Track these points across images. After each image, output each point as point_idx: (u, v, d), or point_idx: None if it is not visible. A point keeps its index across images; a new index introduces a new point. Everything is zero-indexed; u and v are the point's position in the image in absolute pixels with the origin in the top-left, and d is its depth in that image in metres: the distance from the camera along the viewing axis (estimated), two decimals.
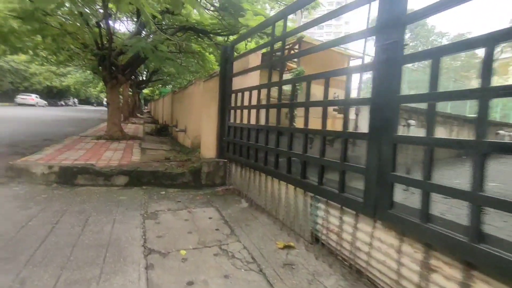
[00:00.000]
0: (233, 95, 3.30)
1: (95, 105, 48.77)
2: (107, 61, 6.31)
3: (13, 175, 3.48)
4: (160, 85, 27.82)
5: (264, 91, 2.71)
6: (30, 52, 11.70)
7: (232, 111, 3.30)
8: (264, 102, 2.71)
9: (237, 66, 3.42)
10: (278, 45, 3.03)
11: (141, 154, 5.03)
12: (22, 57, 14.17)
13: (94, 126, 10.29)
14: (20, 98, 23.90)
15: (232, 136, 3.27)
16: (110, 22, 6.32)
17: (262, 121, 2.63)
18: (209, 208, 2.76)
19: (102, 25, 5.92)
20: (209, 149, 3.84)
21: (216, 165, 3.36)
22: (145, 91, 31.53)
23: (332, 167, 1.82)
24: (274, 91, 2.60)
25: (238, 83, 3.36)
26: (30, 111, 17.72)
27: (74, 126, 10.58)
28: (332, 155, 1.83)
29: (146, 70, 18.75)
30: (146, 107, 36.09)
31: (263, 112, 2.69)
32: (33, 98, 24.61)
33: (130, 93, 17.16)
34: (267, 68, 2.71)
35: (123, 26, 10.09)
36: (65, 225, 2.14)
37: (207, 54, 10.02)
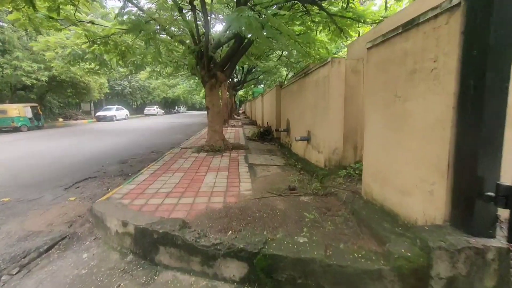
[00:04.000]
0: None
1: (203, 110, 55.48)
2: (204, 58, 5.18)
3: (93, 222, 2.45)
4: (253, 85, 27.85)
5: None
6: (147, 68, 12.85)
7: None
8: None
9: None
10: None
11: (251, 176, 3.45)
12: (143, 75, 16.26)
13: (197, 132, 10.03)
14: (147, 109, 29.03)
15: None
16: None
17: None
18: None
19: (196, 8, 4.75)
20: (403, 192, 1.71)
21: (475, 259, 1.18)
22: (240, 92, 32.57)
23: None
24: None
25: None
26: (151, 120, 20.51)
27: (180, 133, 10.71)
28: None
29: (242, 71, 18.45)
30: (241, 108, 37.56)
31: None
32: (154, 108, 29.43)
33: (228, 96, 17.14)
34: None
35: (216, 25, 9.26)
36: None
37: (313, 34, 7.89)
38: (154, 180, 3.36)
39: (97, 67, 10.83)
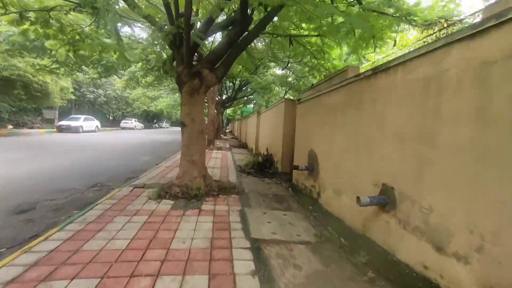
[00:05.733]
0: None
1: None
2: (184, 45, 3.18)
3: None
4: (242, 104, 26.19)
5: None
6: (125, 77, 10.62)
7: None
8: None
9: None
10: None
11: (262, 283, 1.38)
12: (120, 83, 14.01)
13: (173, 154, 7.77)
14: (123, 122, 26.16)
15: None
16: None
17: None
18: None
19: None
20: None
21: None
22: (228, 111, 30.74)
23: None
24: None
25: None
26: (124, 135, 17.92)
27: (151, 154, 8.37)
28: None
29: (233, 87, 16.70)
30: (228, 127, 35.61)
31: None
32: (132, 122, 26.65)
33: (215, 112, 15.17)
34: None
35: None
36: None
37: (326, 47, 6.28)
38: None
39: (51, 64, 8.60)
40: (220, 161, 6.60)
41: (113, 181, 4.59)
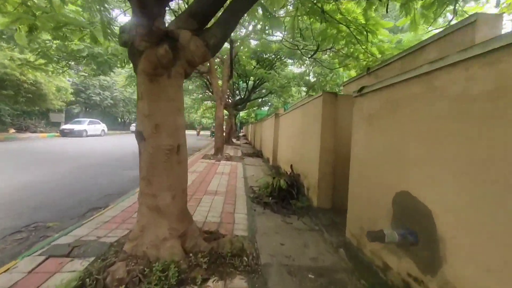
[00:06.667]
0: None
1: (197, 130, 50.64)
2: None
3: None
4: (256, 107, 24.57)
5: None
6: (117, 68, 9.36)
7: None
8: None
9: None
10: None
11: None
12: (121, 82, 12.86)
13: None
14: (133, 126, 25.33)
15: None
16: None
17: None
18: None
19: None
20: None
21: None
22: (241, 113, 29.18)
23: None
24: None
25: None
26: (128, 140, 16.73)
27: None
28: None
29: (246, 88, 15.08)
30: (241, 131, 34.06)
31: None
32: None
33: (226, 115, 13.56)
34: None
35: None
36: None
37: (370, 25, 4.33)
38: None
39: (32, 58, 7.35)
40: (226, 180, 4.91)
41: (63, 216, 3.05)
